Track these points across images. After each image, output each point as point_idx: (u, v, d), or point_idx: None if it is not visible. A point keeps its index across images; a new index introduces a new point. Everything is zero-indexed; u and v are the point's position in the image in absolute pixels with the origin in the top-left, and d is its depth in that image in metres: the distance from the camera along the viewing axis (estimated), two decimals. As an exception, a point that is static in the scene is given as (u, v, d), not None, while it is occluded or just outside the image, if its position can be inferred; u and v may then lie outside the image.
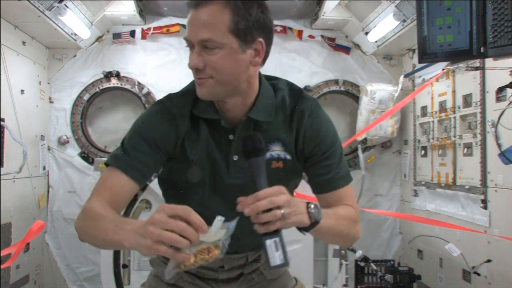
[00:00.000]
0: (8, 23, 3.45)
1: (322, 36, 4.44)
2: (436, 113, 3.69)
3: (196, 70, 1.30)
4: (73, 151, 4.32)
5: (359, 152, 4.36)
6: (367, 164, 4.38)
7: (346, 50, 4.47)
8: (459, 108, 3.35)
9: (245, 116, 1.39)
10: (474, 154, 3.13)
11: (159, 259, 1.61)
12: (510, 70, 2.63)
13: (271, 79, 1.51)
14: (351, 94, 4.48)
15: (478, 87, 3.07)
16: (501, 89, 2.79)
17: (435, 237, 3.58)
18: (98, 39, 4.33)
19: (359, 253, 3.54)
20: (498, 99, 2.85)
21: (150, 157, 1.38)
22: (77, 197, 4.30)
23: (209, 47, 1.27)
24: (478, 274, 2.98)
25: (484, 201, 3.00)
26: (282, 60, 4.44)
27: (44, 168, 4.18)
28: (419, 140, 4.04)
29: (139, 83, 4.35)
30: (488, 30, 2.14)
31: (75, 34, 3.92)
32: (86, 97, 4.32)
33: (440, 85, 3.61)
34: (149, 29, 4.33)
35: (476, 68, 2.86)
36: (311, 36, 4.44)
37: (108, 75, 4.32)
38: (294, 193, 1.62)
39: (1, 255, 2.81)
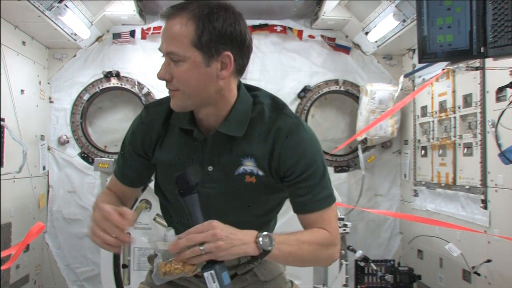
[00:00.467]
0: (8, 23, 3.45)
1: (322, 36, 4.44)
2: (436, 113, 3.69)
3: (165, 81, 1.34)
4: (73, 151, 4.32)
5: (359, 152, 4.36)
6: (367, 164, 4.38)
7: (346, 50, 4.46)
8: (459, 108, 3.35)
9: (215, 130, 1.40)
10: (474, 154, 3.13)
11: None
12: (510, 70, 2.62)
13: (252, 89, 1.48)
14: (351, 94, 4.48)
15: (478, 87, 3.06)
16: (501, 89, 2.79)
17: (435, 237, 3.58)
18: (98, 39, 4.33)
19: (359, 253, 3.54)
20: (498, 99, 2.85)
21: (137, 162, 1.55)
22: (77, 197, 4.31)
23: (174, 60, 1.29)
24: (478, 274, 2.98)
25: (484, 201, 3.00)
26: (282, 60, 4.43)
27: (44, 168, 4.18)
28: (419, 140, 4.04)
29: (139, 83, 4.35)
30: (488, 30, 2.14)
31: (75, 34, 3.92)
32: (86, 97, 4.32)
33: (440, 85, 3.61)
34: (149, 29, 4.33)
35: (476, 68, 2.86)
36: (311, 36, 4.44)
37: (108, 75, 4.32)
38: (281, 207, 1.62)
39: (1, 256, 2.81)
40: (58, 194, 4.30)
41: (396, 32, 3.78)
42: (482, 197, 3.00)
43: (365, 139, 4.31)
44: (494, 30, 2.11)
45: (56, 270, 4.24)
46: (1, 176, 3.24)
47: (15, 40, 3.61)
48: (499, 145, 2.74)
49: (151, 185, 3.35)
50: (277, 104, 1.45)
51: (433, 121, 3.75)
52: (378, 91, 4.16)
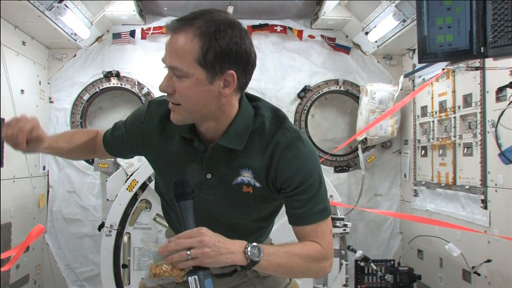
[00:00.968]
0: (8, 23, 3.45)
1: (322, 36, 4.44)
2: (436, 113, 3.69)
3: (166, 93, 1.33)
4: (73, 151, 4.31)
5: (359, 152, 4.36)
6: (367, 164, 4.38)
7: (346, 50, 4.47)
8: (459, 108, 3.35)
9: (215, 142, 1.41)
10: (474, 154, 3.13)
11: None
12: (510, 70, 2.62)
13: (253, 99, 1.48)
14: (351, 94, 4.48)
15: (478, 87, 3.06)
16: (501, 89, 2.79)
17: (435, 237, 3.58)
18: (98, 39, 4.33)
19: (359, 253, 3.54)
20: (498, 99, 2.85)
21: (124, 143, 1.62)
22: (77, 197, 4.31)
23: (178, 75, 1.29)
24: (478, 274, 2.98)
25: (484, 201, 3.00)
26: (282, 60, 4.43)
27: (44, 168, 4.18)
28: (419, 140, 4.04)
29: (139, 83, 4.35)
30: (488, 30, 2.15)
31: (75, 34, 3.92)
32: (86, 97, 4.32)
33: (440, 85, 3.61)
34: (149, 29, 4.33)
35: (476, 68, 2.86)
36: (311, 36, 4.44)
37: (108, 75, 4.32)
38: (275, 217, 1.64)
39: (1, 258, 2.81)
40: (58, 194, 4.30)
41: (396, 32, 3.78)
42: (482, 197, 3.00)
43: (365, 139, 4.31)
44: (494, 30, 2.11)
45: (56, 270, 4.24)
46: (1, 176, 3.24)
47: (15, 40, 3.60)
48: (499, 145, 2.74)
49: (151, 185, 3.38)
50: (277, 117, 1.45)
51: (433, 121, 3.74)
52: (378, 91, 4.16)
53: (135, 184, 3.31)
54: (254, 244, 1.27)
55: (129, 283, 3.35)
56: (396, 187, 4.50)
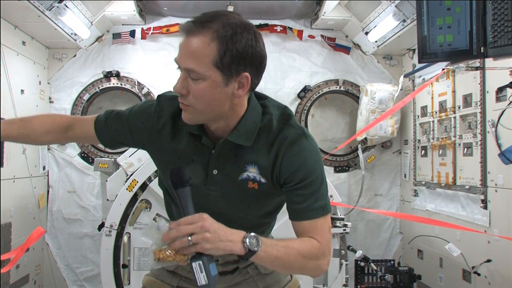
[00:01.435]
0: (8, 23, 3.45)
1: (322, 36, 4.44)
2: (436, 113, 3.69)
3: (180, 94, 1.34)
4: (73, 151, 4.32)
5: (359, 152, 4.36)
6: (367, 164, 4.38)
7: (346, 50, 4.47)
8: (459, 108, 3.35)
9: (224, 138, 1.42)
10: (474, 154, 3.13)
11: None
12: (510, 70, 2.62)
13: (261, 97, 1.51)
14: (351, 94, 4.48)
15: (478, 87, 3.06)
16: (501, 89, 2.79)
17: (435, 237, 3.58)
18: (98, 39, 4.33)
19: (359, 253, 3.54)
20: (498, 99, 2.85)
21: (124, 134, 1.57)
22: (77, 197, 4.31)
23: (193, 78, 1.30)
24: (478, 274, 2.98)
25: (484, 201, 3.00)
26: (282, 60, 4.44)
27: (44, 168, 4.18)
28: (419, 140, 4.04)
29: (139, 83, 4.35)
30: (488, 30, 2.14)
31: (75, 34, 3.92)
32: (86, 97, 4.32)
33: (440, 85, 3.61)
34: (149, 29, 4.33)
35: (476, 68, 2.86)
36: (311, 36, 4.44)
37: (108, 75, 4.32)
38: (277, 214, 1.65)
39: (1, 259, 2.81)
40: (58, 194, 4.30)
41: (396, 32, 3.78)
42: (482, 197, 3.00)
43: (365, 139, 4.31)
44: (494, 30, 2.11)
45: (56, 270, 4.24)
46: (1, 176, 3.24)
47: (15, 40, 3.60)
48: (499, 145, 2.74)
49: (151, 185, 3.39)
50: (284, 115, 1.48)
51: (433, 121, 3.74)
52: (378, 91, 4.16)
53: (135, 184, 3.31)
54: (253, 234, 1.28)
55: (129, 283, 3.35)
56: (396, 187, 4.50)
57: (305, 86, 4.42)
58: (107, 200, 3.63)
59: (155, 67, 4.37)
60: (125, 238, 3.34)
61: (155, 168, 3.30)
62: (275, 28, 4.37)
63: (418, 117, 4.05)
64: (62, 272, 4.26)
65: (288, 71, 4.44)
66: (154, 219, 3.32)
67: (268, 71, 4.72)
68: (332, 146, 4.48)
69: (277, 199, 1.54)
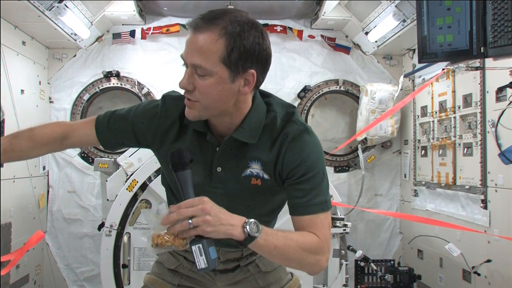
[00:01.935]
0: (8, 23, 3.45)
1: (322, 36, 4.44)
2: (436, 113, 3.69)
3: (186, 90, 1.35)
4: (73, 151, 4.32)
5: (359, 152, 4.36)
6: (367, 164, 4.38)
7: (346, 50, 4.47)
8: (459, 108, 3.35)
9: (229, 136, 1.43)
10: (474, 154, 3.13)
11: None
12: (510, 70, 2.62)
13: (265, 95, 1.52)
14: (351, 94, 4.48)
15: (478, 87, 3.06)
16: (501, 89, 2.79)
17: (435, 237, 3.58)
18: (98, 39, 4.33)
19: (359, 253, 3.54)
20: (498, 99, 2.85)
21: (125, 135, 1.57)
22: (77, 197, 4.31)
23: (200, 74, 1.31)
24: (478, 274, 2.98)
25: (484, 201, 3.00)
26: (282, 60, 4.44)
27: (44, 168, 4.18)
28: (419, 140, 4.04)
29: (139, 83, 4.35)
30: (488, 30, 2.14)
31: (75, 34, 3.92)
32: (86, 97, 4.32)
33: (440, 85, 3.61)
34: (149, 29, 4.33)
35: (476, 68, 2.86)
36: (311, 36, 4.44)
37: (108, 75, 4.32)
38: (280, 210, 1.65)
39: (1, 261, 2.81)
40: (58, 194, 4.30)
41: (396, 32, 3.78)
42: (482, 197, 3.00)
43: (365, 139, 4.31)
44: (494, 30, 2.11)
45: (56, 270, 4.24)
46: (1, 176, 3.24)
47: (15, 40, 3.60)
48: (499, 145, 2.74)
49: (151, 185, 3.38)
50: (287, 113, 1.49)
51: (433, 121, 3.74)
52: (378, 91, 4.16)
53: (135, 184, 3.31)
54: (253, 220, 1.28)
55: (129, 283, 3.35)
56: (396, 187, 4.50)
57: (305, 86, 4.42)
58: (107, 200, 3.63)
59: (155, 67, 4.37)
60: (125, 238, 3.34)
61: (155, 168, 3.33)
62: (275, 28, 4.37)
63: (418, 117, 4.05)
64: (62, 272, 4.26)
65: (288, 71, 4.44)
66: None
67: (268, 71, 4.77)
68: (332, 146, 4.48)
69: (280, 196, 1.55)
